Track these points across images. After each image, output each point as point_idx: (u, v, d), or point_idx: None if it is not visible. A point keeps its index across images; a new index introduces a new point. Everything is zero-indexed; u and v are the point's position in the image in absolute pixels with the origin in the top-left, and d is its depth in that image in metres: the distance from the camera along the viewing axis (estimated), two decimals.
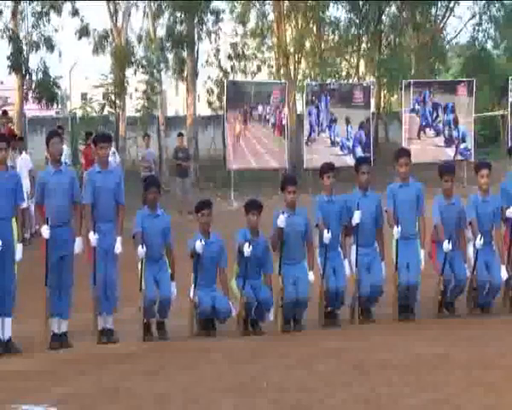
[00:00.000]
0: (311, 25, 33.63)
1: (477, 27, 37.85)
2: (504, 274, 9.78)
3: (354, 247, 9.75)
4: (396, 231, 9.47)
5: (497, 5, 37.04)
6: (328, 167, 9.88)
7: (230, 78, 32.17)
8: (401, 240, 9.53)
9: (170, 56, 31.82)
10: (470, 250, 9.82)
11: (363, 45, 36.40)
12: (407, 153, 10.11)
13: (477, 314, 9.91)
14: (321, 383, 7.12)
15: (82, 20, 30.56)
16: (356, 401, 6.56)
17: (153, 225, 9.31)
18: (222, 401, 6.69)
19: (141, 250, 8.97)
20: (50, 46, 28.77)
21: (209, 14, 31.53)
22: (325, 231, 9.39)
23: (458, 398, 6.46)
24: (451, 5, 36.72)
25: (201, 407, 6.65)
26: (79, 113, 31.42)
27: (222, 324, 9.41)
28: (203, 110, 36.17)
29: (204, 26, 31.32)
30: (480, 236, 9.57)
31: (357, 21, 35.54)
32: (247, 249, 9.19)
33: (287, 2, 32.36)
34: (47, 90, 28.49)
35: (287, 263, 9.41)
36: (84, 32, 30.76)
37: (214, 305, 9.24)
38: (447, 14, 37.08)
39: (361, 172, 9.85)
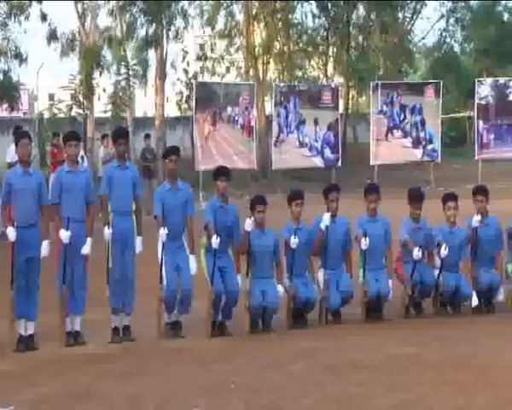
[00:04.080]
0: (279, 26, 33.69)
1: (444, 29, 38.23)
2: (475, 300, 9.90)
3: (322, 270, 9.83)
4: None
5: (463, 5, 37.37)
6: (297, 195, 9.94)
7: (199, 79, 32.12)
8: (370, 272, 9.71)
9: (138, 57, 31.71)
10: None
11: (332, 47, 36.52)
12: (376, 189, 10.17)
13: (447, 314, 10.00)
14: (293, 383, 7.12)
15: (50, 25, 30.43)
16: (328, 401, 6.57)
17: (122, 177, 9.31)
18: (194, 402, 6.67)
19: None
20: (16, 50, 28.72)
21: (177, 15, 31.46)
22: (292, 237, 9.50)
23: (430, 398, 6.50)
24: (419, 7, 37.00)
25: (173, 408, 6.63)
26: (47, 114, 31.21)
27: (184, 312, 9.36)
28: (172, 111, 36.07)
29: (172, 27, 31.27)
30: (444, 245, 9.67)
31: (326, 23, 35.70)
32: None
33: (256, 4, 32.40)
34: (7, 94, 28.44)
35: (256, 277, 9.46)
36: (52, 36, 30.61)
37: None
38: (414, 16, 37.38)
39: (330, 200, 9.91)
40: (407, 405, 6.38)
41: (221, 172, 9.68)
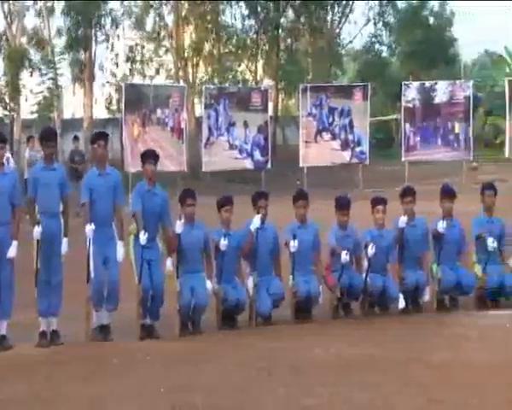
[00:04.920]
0: (209, 28, 33.67)
1: (373, 35, 38.70)
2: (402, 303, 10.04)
3: (251, 276, 9.82)
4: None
5: (390, 8, 37.89)
6: (227, 201, 9.95)
7: (128, 80, 31.90)
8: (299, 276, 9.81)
9: (67, 58, 31.38)
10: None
11: (261, 49, 36.65)
12: (304, 195, 10.25)
13: (376, 315, 10.14)
14: (257, 383, 7.14)
15: None
16: (292, 401, 6.60)
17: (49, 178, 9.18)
18: (158, 404, 6.65)
19: None
20: None
21: (106, 16, 31.21)
22: (221, 238, 9.52)
23: (393, 397, 6.57)
24: (347, 11, 37.39)
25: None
26: None
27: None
28: (101, 113, 35.74)
29: (102, 29, 31.02)
30: (371, 245, 9.79)
31: (256, 25, 35.81)
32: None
33: (186, 5, 32.33)
34: None
35: (185, 273, 9.44)
36: None
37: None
38: (343, 20, 37.75)
39: (259, 206, 9.94)
40: (370, 404, 6.45)
41: (148, 156, 9.65)
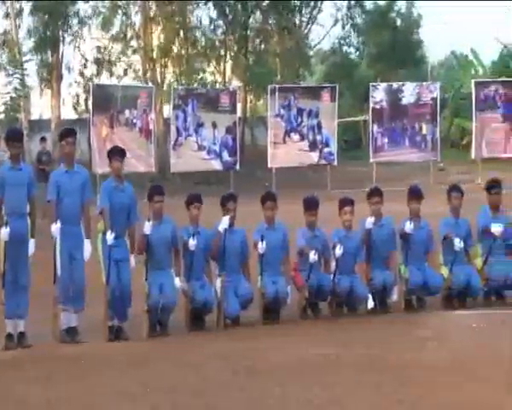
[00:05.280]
0: (177, 29, 33.61)
1: (341, 37, 38.91)
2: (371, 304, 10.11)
3: (220, 277, 9.83)
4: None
5: (358, 10, 38.10)
6: (195, 198, 9.97)
7: (96, 81, 31.76)
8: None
9: (34, 59, 31.18)
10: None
11: (230, 50, 36.65)
12: (272, 197, 10.27)
13: (344, 315, 10.19)
14: (213, 385, 7.12)
15: None
16: (248, 402, 6.61)
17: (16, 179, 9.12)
18: (115, 407, 6.62)
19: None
20: None
21: (74, 16, 31.05)
22: (190, 239, 9.51)
23: (347, 398, 6.59)
24: (315, 12, 37.51)
25: None
26: None
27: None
28: (68, 113, 35.55)
29: (69, 29, 30.85)
30: (339, 246, 9.84)
31: (224, 26, 35.81)
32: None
33: (153, 6, 32.25)
34: None
35: (153, 270, 9.41)
36: None
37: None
38: (311, 21, 37.87)
39: (227, 208, 9.95)
40: (325, 405, 6.46)
41: (115, 152, 9.66)
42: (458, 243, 10.14)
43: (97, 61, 33.46)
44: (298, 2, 36.76)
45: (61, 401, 6.85)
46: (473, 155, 28.04)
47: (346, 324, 9.78)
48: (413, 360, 7.74)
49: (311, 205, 10.27)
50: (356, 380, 7.10)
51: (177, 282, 9.51)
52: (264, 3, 35.72)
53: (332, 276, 9.99)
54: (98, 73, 33.37)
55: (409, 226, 10.12)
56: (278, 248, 10.03)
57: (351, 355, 8.01)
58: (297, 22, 37.54)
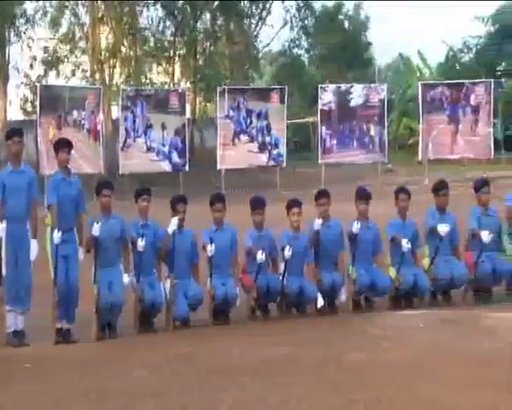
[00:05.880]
0: (126, 30, 33.44)
1: (291, 40, 39.05)
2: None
3: (169, 278, 9.80)
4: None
5: (307, 13, 38.28)
6: (143, 191, 9.95)
7: (44, 82, 31.44)
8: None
9: None
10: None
11: (179, 52, 36.57)
12: (221, 199, 10.30)
13: (294, 316, 10.25)
14: (173, 387, 7.09)
15: None
16: (207, 404, 6.59)
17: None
18: None
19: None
20: None
21: (21, 16, 30.71)
22: (139, 239, 9.47)
23: (307, 397, 6.61)
24: (264, 14, 37.62)
25: None
26: None
27: None
28: (16, 114, 35.14)
29: (16, 29, 30.50)
30: (288, 247, 9.89)
31: (173, 28, 35.72)
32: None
33: (102, 7, 32.03)
34: None
35: (102, 267, 9.36)
36: None
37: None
38: (260, 23, 37.97)
39: (177, 210, 9.95)
40: (286, 405, 6.47)
41: (62, 144, 9.57)
42: (406, 244, 10.24)
43: (45, 62, 33.12)
44: (247, 4, 36.83)
45: (16, 406, 6.77)
46: (420, 157, 28.40)
47: (295, 324, 9.83)
48: (369, 359, 7.81)
49: (257, 205, 10.30)
50: (313, 380, 7.14)
51: (126, 278, 9.43)
52: (214, 5, 35.70)
53: (281, 277, 10.03)
54: (46, 74, 33.02)
55: (356, 227, 10.20)
56: (227, 250, 10.05)
57: (307, 355, 8.05)
58: (246, 24, 37.61)
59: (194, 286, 9.88)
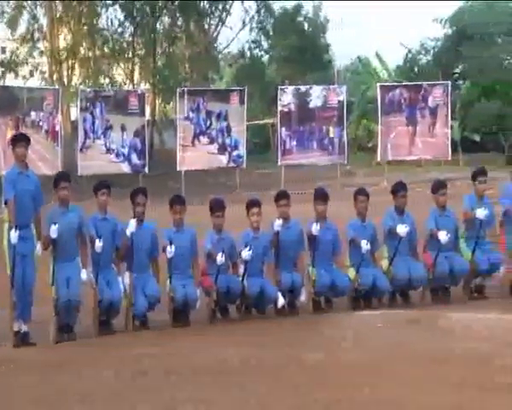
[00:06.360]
0: (84, 30, 33.25)
1: (252, 41, 39.11)
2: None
3: (127, 273, 9.76)
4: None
5: (267, 14, 38.38)
6: (102, 185, 9.88)
7: (1, 83, 31.15)
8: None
9: None
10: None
11: (138, 53, 36.44)
12: (181, 200, 10.27)
13: (254, 317, 10.25)
14: (132, 389, 7.07)
15: None
16: (166, 406, 6.57)
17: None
18: None
19: None
20: None
21: None
22: (97, 240, 9.37)
23: (266, 398, 6.63)
24: (224, 16, 37.64)
25: None
26: None
27: None
28: None
29: None
30: (247, 247, 9.89)
31: (132, 29, 35.59)
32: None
33: (60, 8, 31.82)
34: None
35: (60, 262, 9.26)
36: None
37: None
38: (220, 25, 37.97)
39: (136, 203, 9.91)
40: (245, 405, 6.49)
41: (19, 139, 9.49)
42: (365, 245, 10.31)
43: (3, 64, 32.80)
44: (207, 5, 36.80)
45: None
46: (378, 158, 28.59)
47: (255, 325, 9.84)
48: (329, 360, 7.84)
49: (216, 207, 10.29)
50: (274, 381, 7.16)
51: (84, 275, 9.30)
52: (173, 6, 35.63)
53: (241, 278, 10.04)
54: (3, 75, 32.71)
55: (315, 228, 10.25)
56: (187, 252, 10.03)
57: (268, 356, 8.07)
58: (206, 25, 37.59)
59: (152, 283, 9.80)
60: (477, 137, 34.24)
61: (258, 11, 38.67)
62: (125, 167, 26.52)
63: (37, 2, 33.51)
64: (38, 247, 9.26)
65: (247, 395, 6.69)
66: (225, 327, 9.88)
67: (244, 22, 38.53)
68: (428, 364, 7.49)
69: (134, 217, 9.81)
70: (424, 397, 6.52)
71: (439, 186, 11.15)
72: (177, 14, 35.84)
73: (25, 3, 33.30)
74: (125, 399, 6.82)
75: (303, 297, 10.40)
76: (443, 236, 10.47)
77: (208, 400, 6.66)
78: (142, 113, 27.30)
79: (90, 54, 33.91)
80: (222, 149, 27.51)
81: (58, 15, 32.51)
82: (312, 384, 7.00)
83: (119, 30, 35.48)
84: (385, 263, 10.70)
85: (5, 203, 9.24)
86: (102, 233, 9.51)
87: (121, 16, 35.27)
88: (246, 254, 9.83)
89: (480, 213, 10.65)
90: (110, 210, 9.93)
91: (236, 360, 7.92)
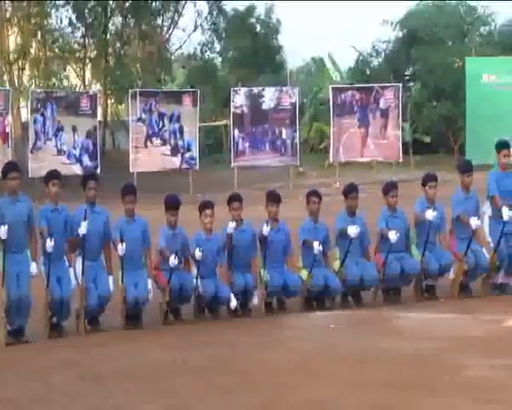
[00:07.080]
0: (34, 31, 32.93)
1: (203, 43, 39.05)
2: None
3: (80, 258, 9.71)
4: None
5: (219, 16, 38.37)
6: (52, 175, 9.71)
7: None
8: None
9: None
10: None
11: (90, 53, 36.18)
12: (132, 191, 10.24)
13: (207, 319, 10.26)
14: (57, 394, 6.99)
15: None
16: (104, 406, 6.56)
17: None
18: None
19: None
20: None
21: None
22: (48, 239, 9.20)
23: (194, 403, 6.62)
24: (176, 17, 37.55)
25: None
26: None
27: None
28: None
29: None
30: (198, 249, 9.91)
31: (83, 29, 35.33)
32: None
33: (9, 8, 31.50)
34: None
35: (9, 253, 9.05)
36: None
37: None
38: (172, 26, 37.88)
39: (88, 188, 9.88)
40: (180, 406, 6.50)
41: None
42: (317, 247, 10.38)
43: None
44: (159, 5, 36.68)
45: None
46: (331, 159, 28.77)
47: (207, 327, 9.85)
48: (260, 362, 7.89)
49: (171, 205, 10.28)
50: (203, 384, 7.14)
51: (34, 268, 9.15)
52: (125, 6, 35.44)
53: (194, 278, 10.04)
54: None
55: (266, 229, 10.29)
56: (139, 244, 9.91)
57: (198, 359, 8.06)
58: (158, 26, 37.47)
59: (103, 280, 9.68)
60: (428, 139, 34.60)
61: (210, 12, 38.64)
62: (77, 169, 26.32)
63: None
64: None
65: (174, 401, 6.65)
66: (177, 330, 9.80)
67: (196, 24, 38.49)
68: (370, 364, 7.58)
69: (86, 201, 9.77)
70: (352, 397, 6.56)
71: (389, 188, 11.27)
72: (130, 15, 35.64)
73: None
74: (49, 403, 6.73)
75: (255, 299, 10.43)
76: (392, 235, 10.58)
77: (131, 405, 6.62)
78: (94, 114, 27.16)
79: (41, 54, 33.58)
80: (175, 150, 27.47)
81: (8, 16, 32.14)
82: (242, 387, 6.98)
83: (70, 30, 35.20)
84: (336, 264, 10.78)
85: None
86: (54, 224, 9.36)
87: (73, 16, 34.98)
88: (198, 254, 9.83)
89: (429, 214, 10.78)
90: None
91: (165, 364, 7.86)
